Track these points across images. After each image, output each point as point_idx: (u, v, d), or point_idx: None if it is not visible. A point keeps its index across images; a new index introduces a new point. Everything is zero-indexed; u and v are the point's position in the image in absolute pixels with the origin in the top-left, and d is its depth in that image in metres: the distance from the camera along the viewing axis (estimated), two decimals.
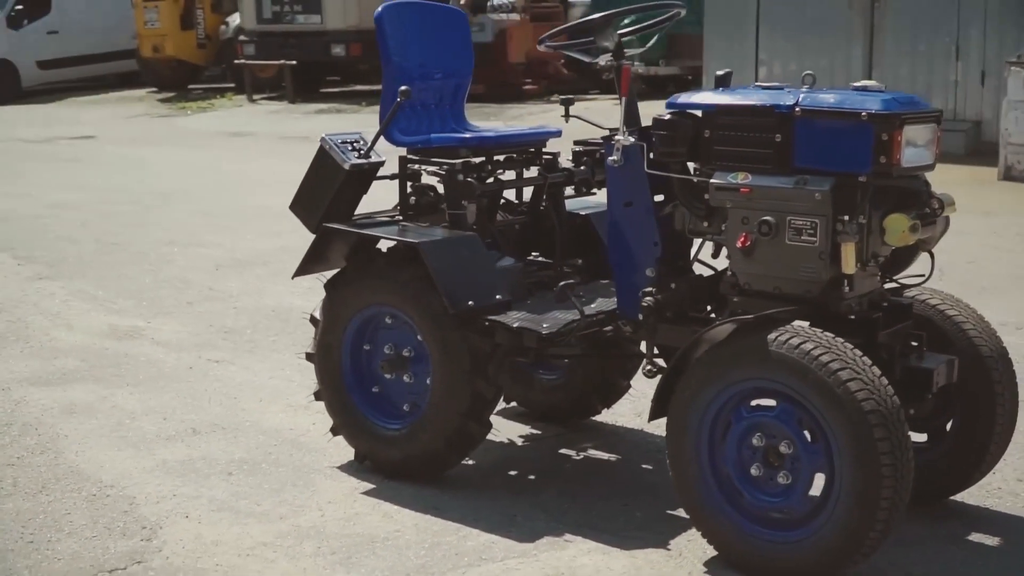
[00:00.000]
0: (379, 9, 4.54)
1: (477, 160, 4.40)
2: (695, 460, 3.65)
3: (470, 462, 4.52)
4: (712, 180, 3.83)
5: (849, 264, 3.62)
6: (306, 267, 4.44)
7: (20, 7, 22.76)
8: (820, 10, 13.88)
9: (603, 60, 4.12)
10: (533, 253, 4.70)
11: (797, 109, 3.69)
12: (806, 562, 3.49)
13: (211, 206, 10.41)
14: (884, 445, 3.30)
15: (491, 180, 4.45)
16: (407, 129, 4.56)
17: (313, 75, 21.04)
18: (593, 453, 4.64)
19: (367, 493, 4.24)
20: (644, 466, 4.53)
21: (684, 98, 3.97)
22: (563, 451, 4.68)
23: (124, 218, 9.94)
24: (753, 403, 3.58)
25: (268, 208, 9.39)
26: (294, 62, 19.78)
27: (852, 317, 3.76)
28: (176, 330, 6.43)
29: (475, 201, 4.33)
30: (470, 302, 4.04)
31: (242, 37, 20.94)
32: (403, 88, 4.31)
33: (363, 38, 19.44)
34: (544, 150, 4.68)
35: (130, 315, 6.74)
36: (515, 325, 4.02)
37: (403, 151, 4.51)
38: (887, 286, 3.98)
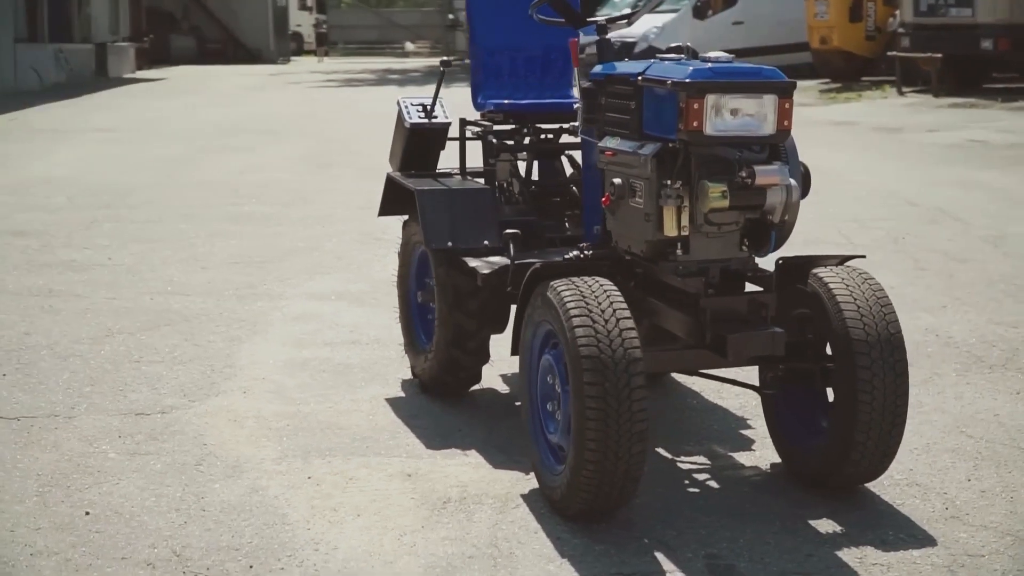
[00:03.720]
0: None
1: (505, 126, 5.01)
2: (527, 392, 4.06)
3: (505, 390, 5.14)
4: (598, 144, 4.16)
5: (668, 227, 3.80)
6: (384, 209, 5.29)
7: None
8: None
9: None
10: None
11: (639, 79, 3.93)
12: (556, 495, 3.80)
13: None
14: (592, 390, 3.53)
15: (513, 142, 5.00)
16: (494, 96, 5.21)
17: (974, 69, 20.58)
18: None
19: (389, 399, 5.04)
20: None
21: (597, 69, 4.30)
22: None
23: None
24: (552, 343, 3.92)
25: None
26: (939, 55, 19.54)
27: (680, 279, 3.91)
28: None
29: (498, 160, 4.91)
30: (449, 243, 4.67)
31: (900, 29, 21.01)
32: (443, 59, 5.02)
33: (1012, 33, 18.82)
34: None
35: None
36: (471, 265, 4.59)
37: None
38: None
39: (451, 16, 43.90)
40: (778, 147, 3.89)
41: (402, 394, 5.10)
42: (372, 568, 3.52)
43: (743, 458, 4.41)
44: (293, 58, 48.10)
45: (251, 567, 3.51)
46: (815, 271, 4.02)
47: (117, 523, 3.79)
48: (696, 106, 3.68)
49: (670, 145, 3.78)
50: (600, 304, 3.65)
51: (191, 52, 44.67)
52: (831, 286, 3.94)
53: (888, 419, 3.83)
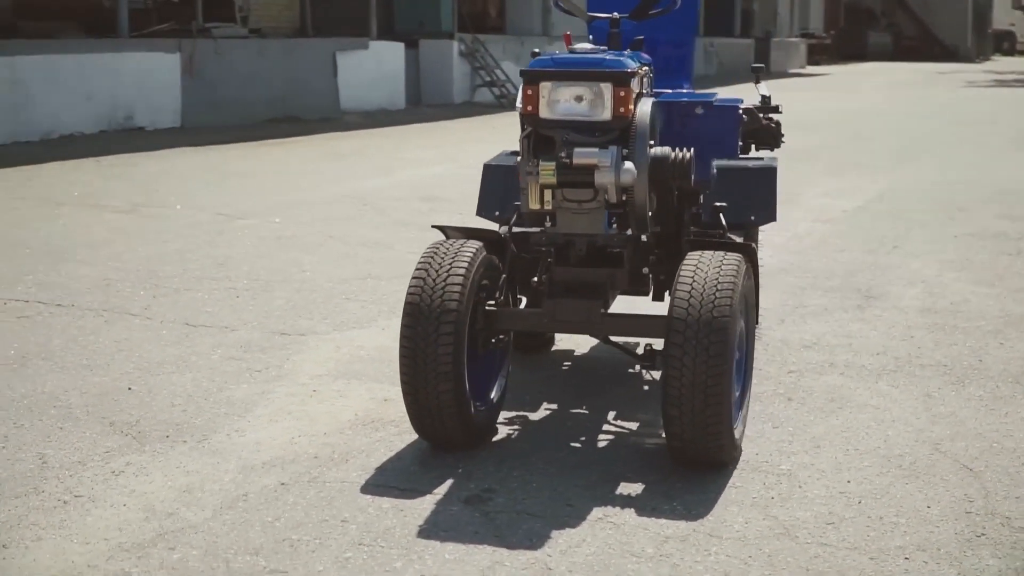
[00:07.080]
0: None
1: None
2: None
3: (570, 348, 5.69)
4: None
5: (532, 200, 4.28)
6: None
7: None
8: None
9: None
10: None
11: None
12: None
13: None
14: (406, 331, 4.17)
15: None
16: None
17: None
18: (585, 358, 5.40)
19: None
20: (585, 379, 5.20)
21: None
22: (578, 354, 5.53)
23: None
24: None
25: None
26: None
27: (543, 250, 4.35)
28: None
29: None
30: (496, 212, 5.33)
31: None
32: (533, 50, 5.59)
33: None
34: None
35: None
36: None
37: None
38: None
39: None
40: (626, 132, 4.16)
41: None
42: (240, 450, 4.41)
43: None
44: (997, 57, 46.35)
45: (167, 436, 4.56)
46: (691, 252, 4.22)
47: (136, 398, 5.01)
48: (530, 92, 4.13)
49: (527, 128, 4.24)
50: (443, 261, 4.23)
51: (886, 49, 44.87)
52: (684, 266, 4.14)
53: (700, 397, 3.97)
